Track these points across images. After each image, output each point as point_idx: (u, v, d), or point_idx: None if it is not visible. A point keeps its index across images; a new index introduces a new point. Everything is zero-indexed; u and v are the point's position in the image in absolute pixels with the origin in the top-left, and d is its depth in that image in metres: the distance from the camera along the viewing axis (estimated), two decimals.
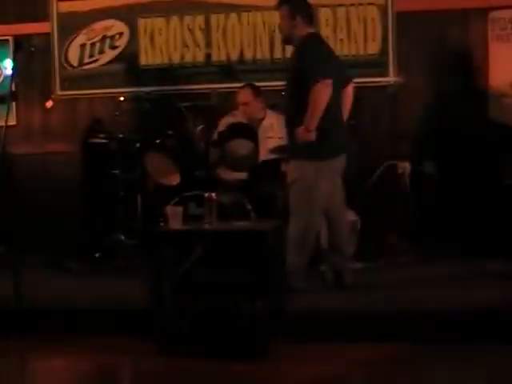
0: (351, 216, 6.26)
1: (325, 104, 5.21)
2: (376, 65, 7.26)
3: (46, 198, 7.66)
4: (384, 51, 7.26)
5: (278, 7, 5.64)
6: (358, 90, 6.83)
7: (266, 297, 4.51)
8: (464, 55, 7.23)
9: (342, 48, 7.28)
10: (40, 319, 5.21)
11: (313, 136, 5.22)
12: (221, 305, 4.49)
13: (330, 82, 5.20)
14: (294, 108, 5.40)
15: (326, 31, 7.25)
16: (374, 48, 7.27)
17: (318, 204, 5.38)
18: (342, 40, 7.31)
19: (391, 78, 7.23)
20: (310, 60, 5.32)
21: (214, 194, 4.84)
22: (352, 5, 7.30)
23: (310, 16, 5.56)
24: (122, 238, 6.61)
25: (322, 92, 5.20)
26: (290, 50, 6.76)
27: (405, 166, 6.90)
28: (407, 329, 4.77)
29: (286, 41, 5.74)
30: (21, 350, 4.96)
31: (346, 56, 7.25)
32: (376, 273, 6.07)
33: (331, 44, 7.08)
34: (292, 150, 5.52)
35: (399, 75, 7.18)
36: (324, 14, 7.30)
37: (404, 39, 7.25)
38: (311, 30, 5.54)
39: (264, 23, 7.41)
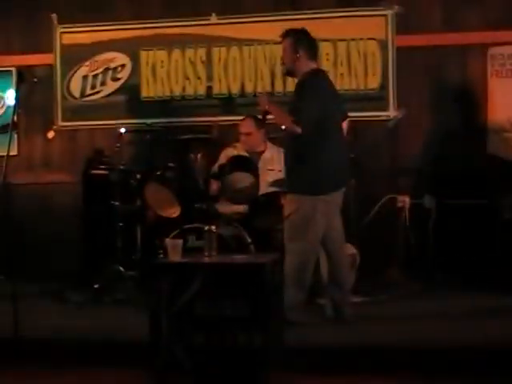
0: (350, 249, 6.26)
1: (283, 127, 5.38)
2: (376, 99, 7.32)
3: (46, 228, 7.70)
4: (384, 86, 7.32)
5: (281, 39, 5.64)
6: (359, 124, 6.94)
7: (264, 330, 4.49)
8: (463, 90, 7.28)
9: (343, 82, 7.34)
10: (38, 348, 5.18)
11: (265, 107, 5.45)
12: (220, 338, 4.48)
13: (298, 131, 5.25)
14: (291, 143, 5.44)
15: (326, 65, 7.30)
16: (374, 82, 7.33)
17: (313, 238, 5.38)
18: (342, 74, 7.37)
19: (391, 113, 7.27)
20: (299, 102, 5.36)
21: (213, 227, 4.84)
22: (353, 39, 7.36)
23: (313, 50, 5.56)
24: (121, 269, 6.59)
25: (289, 127, 5.32)
26: (290, 83, 6.89)
27: (404, 200, 6.92)
28: (406, 362, 4.75)
29: (288, 73, 5.76)
30: (19, 379, 4.92)
31: (347, 90, 7.31)
32: (375, 306, 6.06)
33: (331, 78, 7.19)
34: (289, 184, 5.54)
35: (399, 110, 7.22)
36: (325, 48, 7.35)
37: (404, 74, 7.30)
38: (314, 66, 5.54)
39: (265, 56, 7.49)
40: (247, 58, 7.54)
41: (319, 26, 7.29)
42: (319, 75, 5.59)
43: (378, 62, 7.34)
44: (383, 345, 4.93)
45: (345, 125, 5.71)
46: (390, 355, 4.80)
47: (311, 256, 5.43)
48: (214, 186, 6.65)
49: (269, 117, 5.57)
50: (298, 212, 5.37)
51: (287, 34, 5.57)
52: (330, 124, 5.39)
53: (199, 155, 6.43)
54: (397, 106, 7.26)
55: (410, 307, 6.01)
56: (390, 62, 7.31)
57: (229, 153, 6.67)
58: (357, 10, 7.36)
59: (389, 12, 7.28)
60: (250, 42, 7.48)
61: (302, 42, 5.49)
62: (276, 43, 7.23)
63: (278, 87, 7.45)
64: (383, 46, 7.32)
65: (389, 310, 5.94)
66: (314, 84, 5.44)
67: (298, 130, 5.26)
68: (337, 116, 5.49)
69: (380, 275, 6.69)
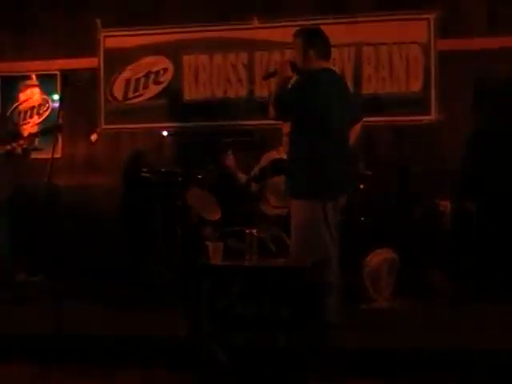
0: (390, 254, 6.26)
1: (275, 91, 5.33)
2: (418, 103, 7.28)
3: (87, 229, 7.77)
4: (426, 89, 7.28)
5: (292, 39, 5.49)
6: (400, 127, 6.93)
7: (303, 331, 4.51)
8: (505, 94, 7.21)
9: (384, 86, 7.32)
10: (78, 346, 5.25)
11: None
12: (259, 339, 4.50)
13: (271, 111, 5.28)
14: (293, 146, 5.40)
15: (368, 69, 7.32)
16: (415, 86, 7.30)
17: (317, 241, 5.26)
18: (384, 78, 7.34)
19: (433, 116, 7.23)
20: (293, 93, 5.30)
21: (254, 231, 4.86)
22: (394, 43, 7.34)
23: (324, 50, 5.39)
24: (162, 270, 6.64)
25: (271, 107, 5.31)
26: None
27: (446, 204, 6.88)
28: (450, 365, 4.73)
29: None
30: (61, 376, 4.98)
31: (388, 94, 7.29)
32: (416, 311, 6.03)
33: (373, 82, 7.20)
34: (291, 188, 5.40)
35: (441, 113, 7.18)
36: (367, 52, 7.36)
37: (446, 77, 7.26)
38: (325, 65, 5.38)
39: None
40: None
41: (361, 29, 7.35)
42: (326, 74, 5.36)
43: (420, 66, 7.30)
44: (423, 348, 4.91)
45: (358, 128, 5.56)
46: (432, 358, 4.80)
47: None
48: (255, 188, 6.67)
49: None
50: (300, 217, 5.26)
51: (298, 33, 5.45)
52: (332, 125, 5.24)
53: (240, 158, 6.47)
54: (439, 110, 7.22)
55: (449, 311, 5.98)
56: (432, 66, 7.27)
57: (270, 156, 6.69)
58: (399, 14, 7.33)
59: (431, 15, 7.25)
60: (291, 45, 7.45)
61: (312, 41, 5.36)
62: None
63: None
64: (425, 49, 7.28)
65: (429, 315, 5.91)
66: (313, 78, 5.27)
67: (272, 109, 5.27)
68: (344, 118, 5.34)
69: (420, 280, 6.64)
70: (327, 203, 5.21)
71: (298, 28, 5.56)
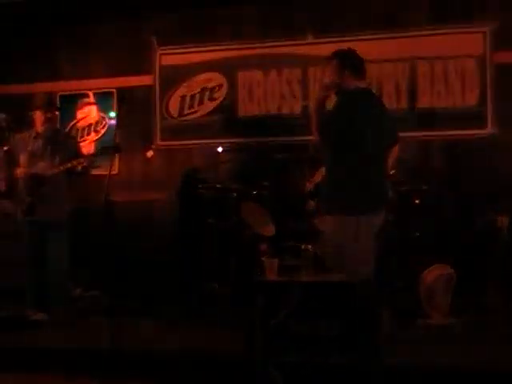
0: (447, 269, 6.19)
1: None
2: (474, 117, 7.21)
3: (143, 245, 7.83)
4: (482, 103, 7.21)
5: (328, 61, 5.61)
6: (456, 142, 6.88)
7: (357, 349, 4.48)
8: None
9: (439, 100, 7.27)
10: (132, 361, 5.30)
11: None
12: (313, 357, 4.49)
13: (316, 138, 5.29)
14: (330, 164, 5.45)
15: (423, 84, 7.28)
16: (471, 100, 7.23)
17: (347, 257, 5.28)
18: (439, 92, 7.29)
19: (489, 130, 7.15)
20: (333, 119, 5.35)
21: (310, 246, 4.86)
22: (450, 57, 7.28)
23: (359, 70, 5.50)
24: (216, 286, 6.67)
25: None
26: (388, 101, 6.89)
27: (503, 220, 6.79)
28: None
29: (335, 93, 5.76)
30: None
31: (443, 108, 7.24)
32: (472, 328, 5.95)
33: (427, 97, 7.14)
34: (327, 205, 5.46)
35: (497, 127, 7.10)
36: (421, 67, 7.32)
37: (502, 90, 7.18)
38: (361, 85, 5.49)
39: None
40: None
41: (416, 44, 7.32)
42: (364, 96, 5.49)
43: (476, 79, 7.24)
44: (479, 367, 4.85)
45: (396, 150, 5.62)
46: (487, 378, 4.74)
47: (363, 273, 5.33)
48: (310, 204, 6.66)
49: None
50: (330, 231, 5.32)
51: (333, 55, 5.58)
52: (369, 149, 5.28)
53: (295, 174, 6.47)
54: (495, 124, 7.14)
55: (508, 328, 5.89)
56: (487, 79, 7.20)
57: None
58: (454, 27, 7.28)
59: (486, 28, 7.18)
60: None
61: (348, 62, 5.49)
62: (372, 62, 7.32)
63: None
64: (481, 62, 7.22)
65: (486, 332, 5.83)
66: (351, 101, 5.37)
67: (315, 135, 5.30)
68: (380, 138, 5.39)
69: (478, 296, 6.55)
70: (360, 216, 5.23)
71: (333, 51, 5.64)
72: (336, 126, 5.29)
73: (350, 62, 5.50)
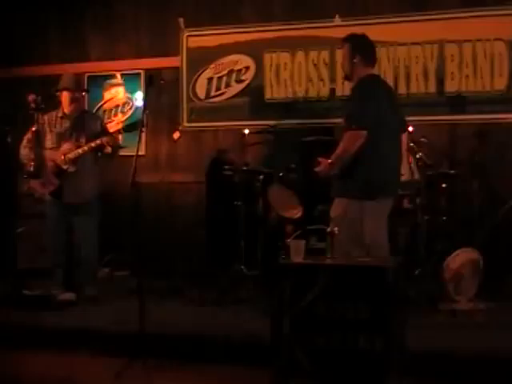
0: (474, 254, 6.17)
1: (352, 152, 5.27)
2: (503, 101, 7.14)
3: (170, 227, 7.86)
4: (511, 87, 7.13)
5: (341, 45, 5.72)
6: (485, 126, 6.82)
7: (386, 333, 4.48)
8: None
9: (468, 84, 7.21)
10: (161, 344, 5.33)
11: (330, 172, 5.37)
12: (340, 341, 4.49)
13: (363, 133, 5.25)
14: None
15: (451, 67, 7.23)
16: (500, 84, 7.16)
17: (355, 242, 5.32)
18: (467, 76, 7.23)
19: None
20: (354, 105, 5.41)
21: (336, 229, 4.85)
22: (478, 40, 7.22)
23: (370, 56, 5.60)
24: (244, 269, 6.69)
25: (352, 141, 5.28)
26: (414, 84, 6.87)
27: None
28: None
29: (347, 78, 5.78)
30: (143, 372, 5.06)
31: (472, 92, 7.18)
32: (499, 312, 5.93)
33: (456, 80, 7.09)
34: (338, 188, 5.51)
35: None
36: (449, 50, 7.26)
37: None
38: (370, 71, 5.58)
39: (388, 58, 7.42)
40: None
41: (444, 27, 7.25)
42: (375, 80, 5.62)
43: (505, 63, 7.16)
44: (505, 354, 4.84)
45: (405, 137, 5.72)
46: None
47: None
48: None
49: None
50: (345, 215, 5.35)
51: (346, 39, 5.66)
52: (383, 130, 5.34)
53: (322, 156, 6.45)
54: None
55: None
56: None
57: None
58: (483, 10, 7.19)
59: None
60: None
61: (359, 47, 5.56)
62: (400, 45, 7.28)
63: (401, 88, 7.39)
64: (510, 46, 7.14)
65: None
66: (369, 87, 5.45)
67: (363, 133, 5.25)
68: (393, 124, 5.46)
69: (505, 282, 6.52)
70: (365, 202, 5.30)
71: (346, 34, 5.74)
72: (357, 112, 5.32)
73: (361, 48, 5.56)
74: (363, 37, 5.67)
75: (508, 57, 7.15)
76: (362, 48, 5.58)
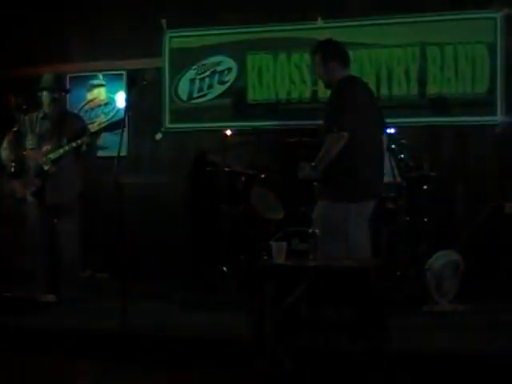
0: (454, 255, 6.20)
1: (334, 154, 5.27)
2: (484, 104, 7.18)
3: (152, 228, 7.85)
4: (492, 90, 7.16)
5: (312, 55, 5.75)
6: (465, 128, 6.86)
7: (367, 335, 4.49)
8: None
9: (449, 87, 7.24)
10: (143, 346, 5.31)
11: (312, 176, 5.39)
12: (323, 342, 4.50)
13: (344, 134, 5.25)
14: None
15: (432, 69, 7.26)
16: (482, 87, 7.20)
17: (342, 246, 5.33)
18: (449, 79, 7.26)
19: (499, 117, 7.13)
20: (334, 107, 5.41)
21: (317, 230, 4.86)
22: (460, 43, 7.25)
23: (343, 59, 5.61)
24: (226, 270, 6.68)
25: (334, 143, 5.28)
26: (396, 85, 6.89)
27: (511, 206, 6.79)
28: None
29: (327, 86, 5.77)
30: (125, 374, 5.05)
31: (453, 95, 7.22)
32: (478, 315, 5.96)
33: (437, 83, 7.12)
34: (322, 190, 5.53)
35: (507, 114, 7.08)
36: (431, 52, 7.29)
37: None
38: (347, 73, 5.60)
39: (371, 60, 7.44)
40: (352, 62, 7.49)
41: (426, 29, 7.28)
42: (353, 82, 5.62)
43: (487, 66, 7.20)
44: (485, 353, 4.86)
45: (384, 138, 5.76)
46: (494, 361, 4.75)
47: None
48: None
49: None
50: (325, 217, 5.38)
51: (315, 51, 5.68)
52: (364, 132, 5.36)
53: (304, 158, 6.46)
54: (505, 111, 7.11)
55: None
56: (498, 66, 7.16)
57: None
58: (464, 13, 7.24)
59: (498, 15, 7.14)
60: (355, 46, 7.38)
61: (330, 53, 5.59)
62: (382, 47, 7.30)
63: (383, 90, 7.41)
64: (492, 49, 7.17)
65: (493, 319, 5.84)
66: (348, 89, 5.46)
67: (344, 134, 5.25)
68: (375, 125, 5.49)
69: (485, 283, 6.55)
70: (350, 204, 5.31)
71: (315, 44, 5.82)
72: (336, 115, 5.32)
73: (333, 53, 5.59)
74: (330, 42, 5.72)
75: (489, 60, 7.18)
76: (333, 53, 5.60)
